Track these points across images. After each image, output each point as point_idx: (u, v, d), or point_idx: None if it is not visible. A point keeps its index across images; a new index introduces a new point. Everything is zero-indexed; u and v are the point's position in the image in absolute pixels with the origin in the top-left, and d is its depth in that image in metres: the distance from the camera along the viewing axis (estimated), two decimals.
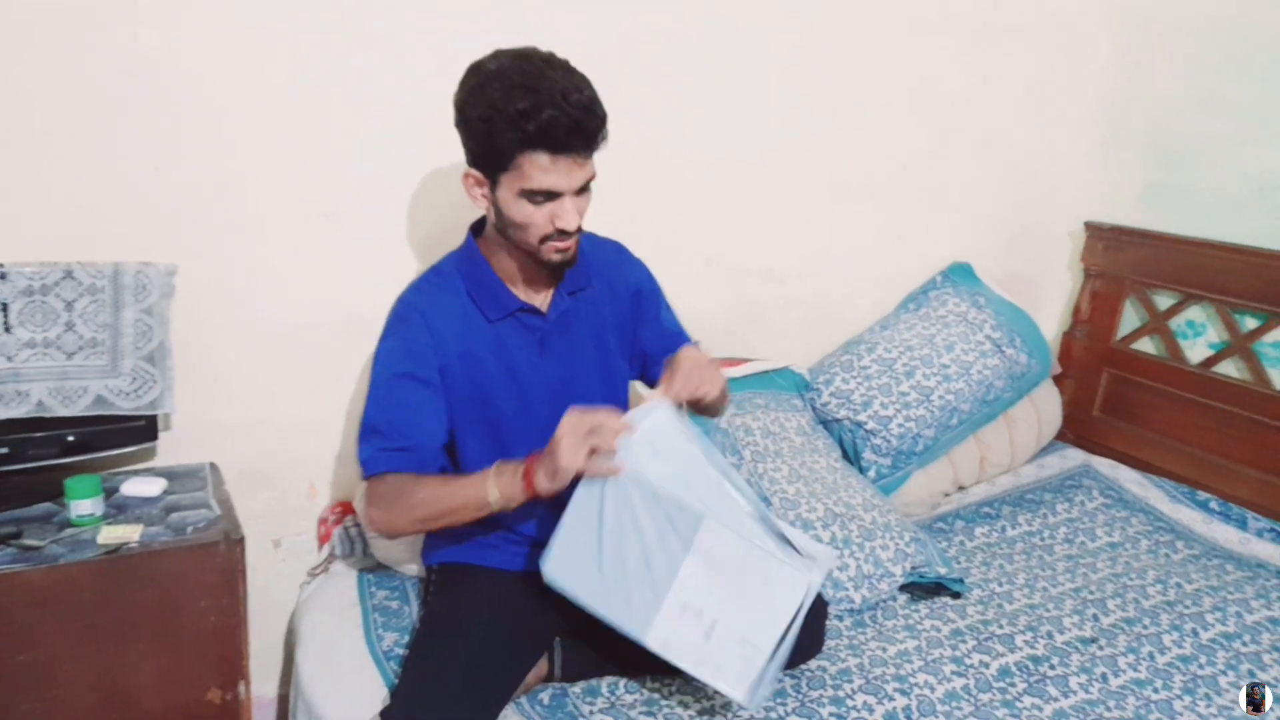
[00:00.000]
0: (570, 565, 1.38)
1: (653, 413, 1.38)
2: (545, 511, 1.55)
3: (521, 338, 1.55)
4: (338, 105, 1.79)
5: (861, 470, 2.23)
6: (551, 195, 1.39)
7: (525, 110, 1.31)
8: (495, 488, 1.40)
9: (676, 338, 1.72)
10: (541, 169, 1.36)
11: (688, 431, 1.42)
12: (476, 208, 1.49)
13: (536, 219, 1.41)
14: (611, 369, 1.64)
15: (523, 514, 1.54)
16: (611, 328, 1.63)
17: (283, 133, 1.75)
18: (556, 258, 1.46)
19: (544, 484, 1.36)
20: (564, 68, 1.37)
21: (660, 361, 1.68)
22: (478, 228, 1.57)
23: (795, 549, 1.36)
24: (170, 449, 1.78)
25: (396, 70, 1.82)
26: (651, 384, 1.74)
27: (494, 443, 1.55)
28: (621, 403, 1.66)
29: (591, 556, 1.37)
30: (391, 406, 1.48)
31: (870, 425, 2.22)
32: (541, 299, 1.56)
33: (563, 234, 1.42)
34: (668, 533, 1.34)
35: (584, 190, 1.43)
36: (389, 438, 1.47)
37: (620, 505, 1.36)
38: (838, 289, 2.50)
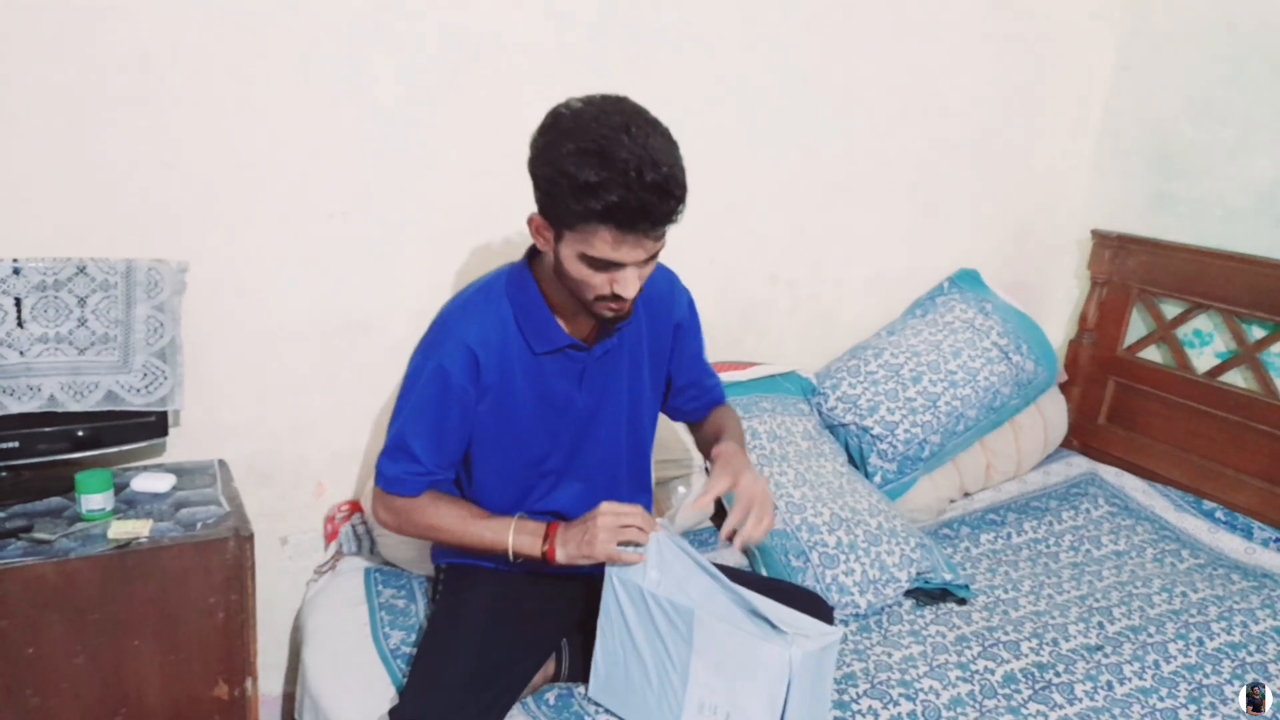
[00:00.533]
0: (609, 684, 1.48)
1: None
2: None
3: (563, 369, 1.51)
4: (352, 105, 1.79)
5: (868, 475, 2.24)
6: (614, 265, 1.33)
7: (593, 185, 1.24)
8: (514, 543, 1.46)
9: (708, 374, 1.74)
10: (606, 243, 1.29)
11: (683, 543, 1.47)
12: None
13: (594, 281, 1.35)
14: (641, 400, 1.63)
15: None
16: (649, 358, 1.61)
17: (296, 132, 1.76)
18: (609, 315, 1.41)
19: (564, 558, 1.44)
20: (645, 131, 1.26)
21: (682, 391, 1.71)
22: (533, 251, 1.51)
23: (778, 628, 1.35)
24: (180, 445, 1.79)
25: (414, 72, 1.82)
26: (678, 416, 1.77)
27: (515, 467, 1.55)
28: (645, 432, 1.67)
29: (622, 671, 1.46)
30: (425, 431, 1.47)
31: (877, 430, 2.23)
32: (587, 334, 1.53)
33: (619, 299, 1.38)
34: (675, 636, 1.39)
35: (649, 261, 1.37)
36: (419, 462, 1.48)
37: (639, 614, 1.42)
38: (844, 294, 2.50)
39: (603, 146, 1.24)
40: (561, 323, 1.49)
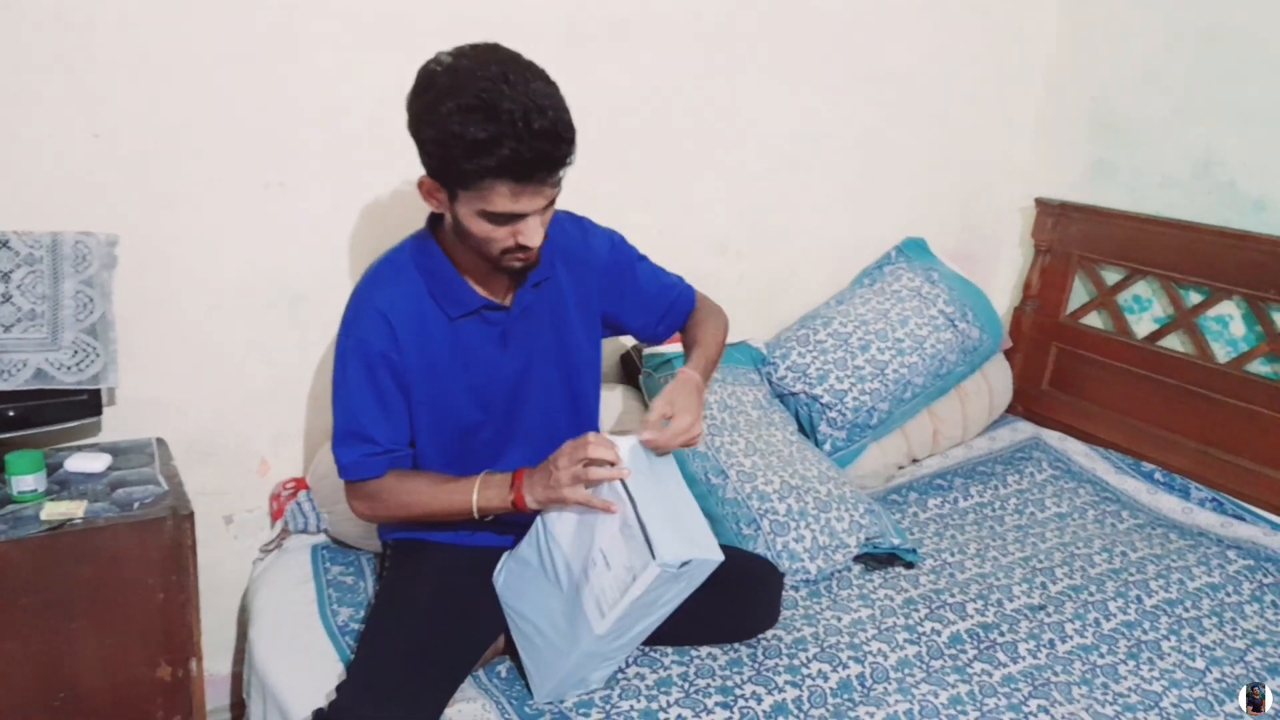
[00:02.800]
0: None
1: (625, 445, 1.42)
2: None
3: (483, 332, 1.50)
4: (289, 72, 1.74)
5: (817, 443, 2.25)
6: (515, 217, 1.32)
7: (483, 141, 1.21)
8: (479, 499, 1.44)
9: (664, 291, 1.69)
10: (504, 196, 1.27)
11: (650, 461, 1.45)
12: None
13: (497, 235, 1.33)
14: (574, 354, 1.60)
15: None
16: (577, 308, 1.59)
17: (229, 99, 1.70)
18: (518, 265, 1.40)
19: (533, 502, 1.42)
20: (524, 77, 1.24)
21: (659, 321, 1.69)
22: (435, 217, 1.49)
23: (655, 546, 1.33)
24: (115, 424, 1.74)
25: (348, 36, 1.77)
26: (657, 340, 1.74)
27: (450, 437, 1.53)
28: (584, 386, 1.64)
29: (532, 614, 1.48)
30: (366, 409, 1.45)
31: (826, 399, 2.24)
32: (504, 293, 1.51)
33: (526, 248, 1.36)
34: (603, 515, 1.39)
35: (549, 207, 1.36)
36: (370, 441, 1.46)
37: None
38: (792, 263, 2.51)
39: (485, 100, 1.21)
40: (473, 284, 1.47)
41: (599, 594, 1.35)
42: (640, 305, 1.67)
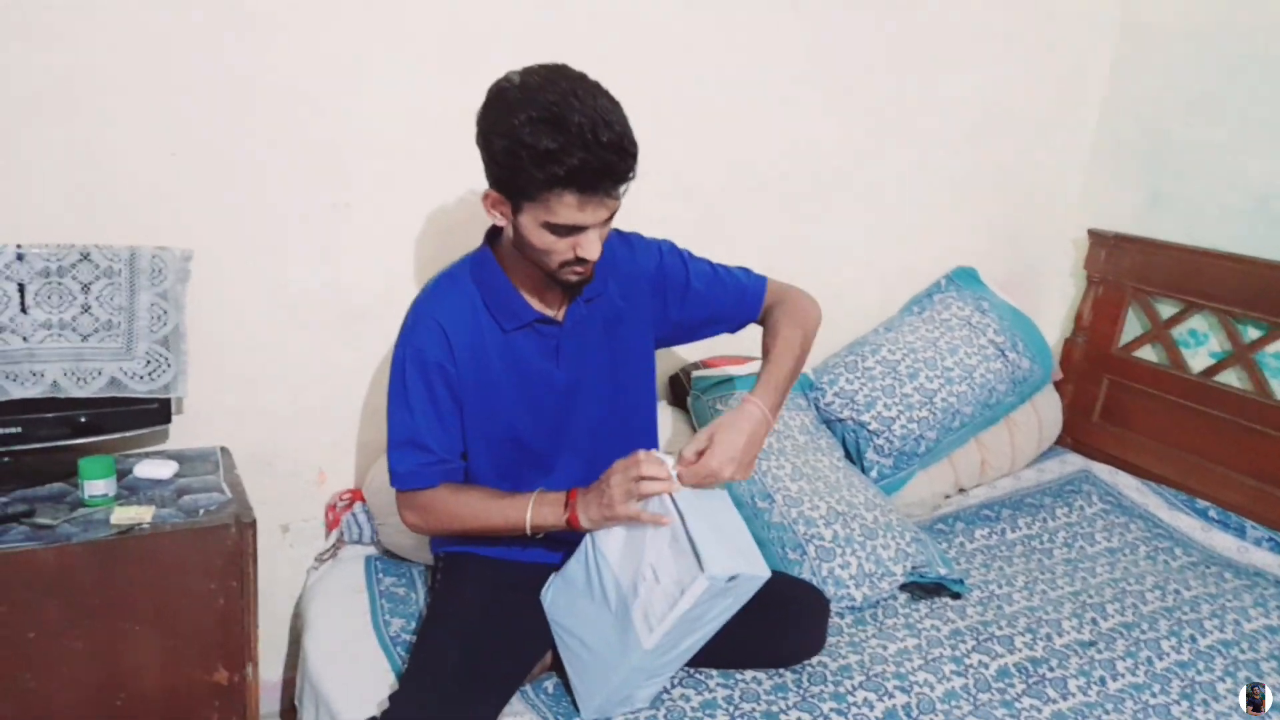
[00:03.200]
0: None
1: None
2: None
3: (536, 346, 1.53)
4: (357, 95, 1.80)
5: (864, 470, 2.25)
6: (576, 229, 1.36)
7: (552, 151, 1.26)
8: (533, 516, 1.46)
9: (724, 288, 1.68)
10: (568, 207, 1.32)
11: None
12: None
13: (558, 247, 1.38)
14: (626, 370, 1.63)
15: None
16: (630, 323, 1.61)
17: (299, 122, 1.77)
18: (574, 279, 1.44)
19: (588, 522, 1.44)
20: (592, 94, 1.30)
21: (722, 320, 1.69)
22: (493, 233, 1.54)
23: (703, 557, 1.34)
24: (182, 432, 1.80)
25: (415, 66, 1.83)
26: (734, 330, 1.73)
27: (501, 448, 1.56)
28: (634, 403, 1.66)
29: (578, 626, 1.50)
30: (423, 418, 1.49)
31: (873, 426, 2.24)
32: (557, 307, 1.54)
33: (583, 261, 1.40)
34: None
35: (609, 220, 1.40)
36: (426, 450, 1.49)
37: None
38: (840, 289, 2.50)
39: (555, 113, 1.27)
40: (527, 298, 1.51)
41: (648, 608, 1.37)
42: (701, 306, 1.68)
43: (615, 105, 1.33)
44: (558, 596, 1.54)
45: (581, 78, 1.33)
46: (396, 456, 1.50)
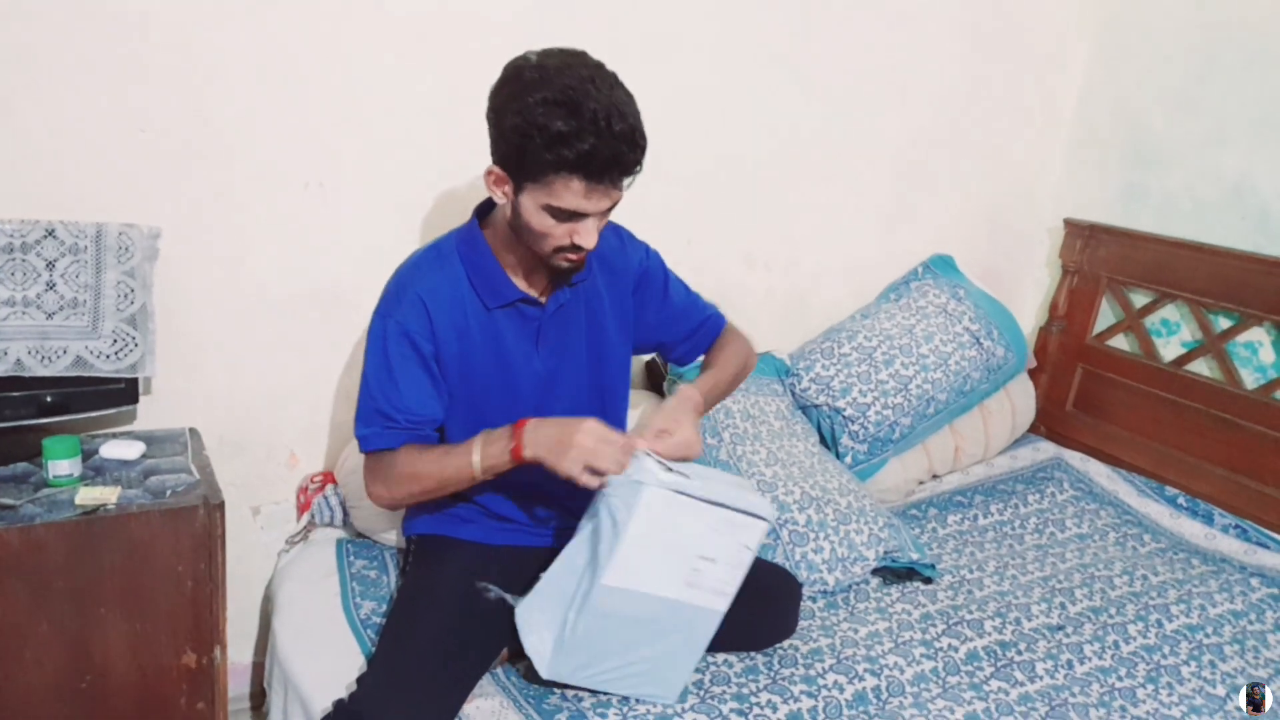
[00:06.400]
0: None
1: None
2: (520, 493, 1.58)
3: (518, 327, 1.53)
4: (331, 76, 1.78)
5: (838, 456, 2.26)
6: (577, 215, 1.36)
7: (565, 134, 1.26)
8: (479, 455, 1.42)
9: (693, 311, 1.71)
10: (573, 193, 1.32)
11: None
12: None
13: (556, 232, 1.38)
14: (605, 358, 1.62)
15: (497, 496, 1.57)
16: (611, 314, 1.61)
17: (269, 101, 1.74)
18: (565, 265, 1.44)
19: (532, 455, 1.38)
20: (610, 84, 1.31)
21: (684, 339, 1.71)
22: (482, 210, 1.54)
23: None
24: (150, 413, 1.78)
25: (395, 42, 1.81)
26: (681, 361, 1.75)
27: (472, 424, 1.53)
28: (610, 389, 1.66)
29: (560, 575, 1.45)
30: (391, 385, 1.47)
31: (848, 412, 2.25)
32: (541, 289, 1.54)
33: (578, 249, 1.40)
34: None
35: (608, 211, 1.40)
36: (389, 417, 1.47)
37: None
38: (818, 276, 2.52)
39: (571, 97, 1.27)
40: (513, 278, 1.51)
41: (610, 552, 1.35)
42: (667, 320, 1.69)
43: (630, 98, 1.34)
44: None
45: (599, 66, 1.34)
46: (361, 423, 1.49)
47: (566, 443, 1.36)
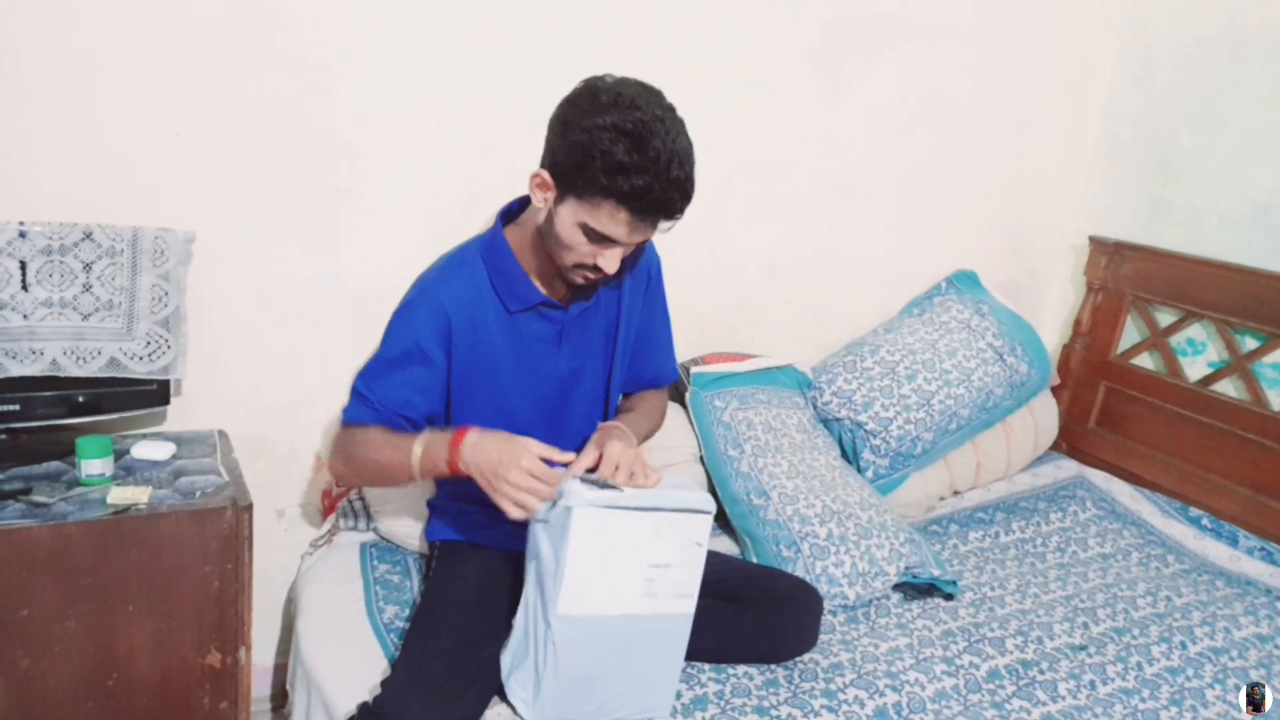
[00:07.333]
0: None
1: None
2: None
3: (540, 329, 1.55)
4: (363, 84, 1.80)
5: (860, 470, 2.25)
6: (609, 241, 1.38)
7: (625, 165, 1.29)
8: (418, 456, 1.41)
9: (661, 346, 1.73)
10: (616, 222, 1.35)
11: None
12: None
13: (583, 250, 1.39)
14: (619, 362, 1.64)
15: None
16: (628, 314, 1.64)
17: (306, 107, 1.76)
18: (580, 282, 1.46)
19: (464, 468, 1.37)
20: (677, 129, 1.34)
21: (634, 366, 1.70)
22: (507, 214, 1.56)
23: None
24: (180, 414, 1.80)
25: (417, 50, 1.82)
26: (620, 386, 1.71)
27: (501, 428, 1.55)
28: (616, 396, 1.68)
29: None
30: (385, 376, 1.50)
31: (870, 426, 2.24)
32: (563, 294, 1.56)
33: (598, 270, 1.42)
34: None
35: (640, 246, 1.43)
36: (368, 400, 1.50)
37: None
38: (840, 288, 2.51)
39: (640, 131, 1.29)
40: (535, 282, 1.53)
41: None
42: (643, 333, 1.70)
43: (691, 147, 1.36)
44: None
45: (671, 109, 1.36)
46: (351, 397, 1.52)
47: (501, 475, 1.34)
